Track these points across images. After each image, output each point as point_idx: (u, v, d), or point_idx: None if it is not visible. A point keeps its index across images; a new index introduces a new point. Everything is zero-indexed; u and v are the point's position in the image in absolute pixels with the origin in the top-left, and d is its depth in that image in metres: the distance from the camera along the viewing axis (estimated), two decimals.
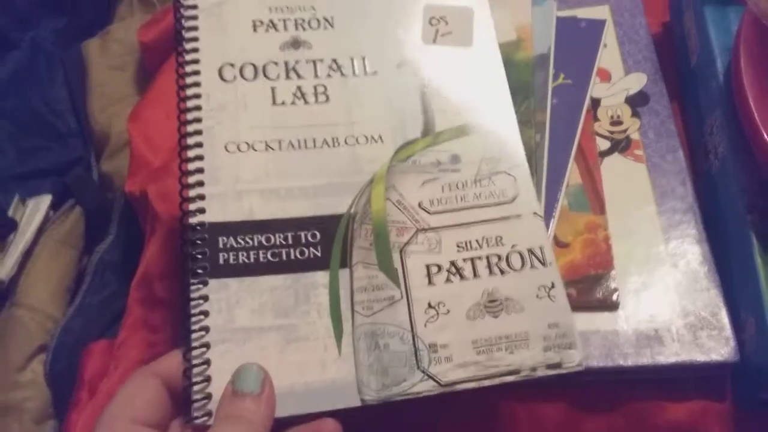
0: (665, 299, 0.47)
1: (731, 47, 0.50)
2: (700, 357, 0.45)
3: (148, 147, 0.60)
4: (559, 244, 0.49)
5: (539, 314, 0.42)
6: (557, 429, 0.47)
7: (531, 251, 0.44)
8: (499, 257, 0.44)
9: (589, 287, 0.47)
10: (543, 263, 0.44)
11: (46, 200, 0.61)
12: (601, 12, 0.60)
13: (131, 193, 0.58)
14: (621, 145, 0.53)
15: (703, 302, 0.46)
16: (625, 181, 0.52)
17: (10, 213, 0.59)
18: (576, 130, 0.53)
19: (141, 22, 0.69)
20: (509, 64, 0.52)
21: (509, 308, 0.42)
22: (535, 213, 0.45)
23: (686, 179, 0.51)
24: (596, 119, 0.55)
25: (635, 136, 0.53)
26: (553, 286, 0.43)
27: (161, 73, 0.65)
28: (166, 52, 0.66)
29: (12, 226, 0.58)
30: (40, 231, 0.59)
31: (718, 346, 0.45)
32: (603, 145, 0.53)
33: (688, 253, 0.48)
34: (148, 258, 0.55)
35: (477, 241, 0.44)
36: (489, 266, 0.44)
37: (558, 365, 0.41)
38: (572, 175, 0.52)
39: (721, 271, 0.48)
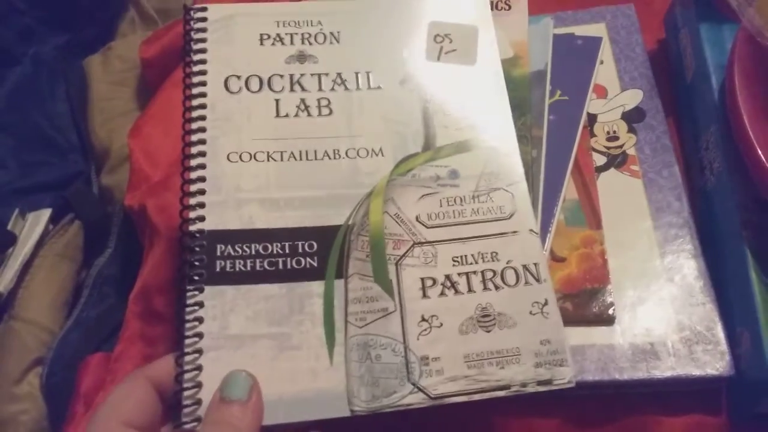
0: (661, 313, 0.47)
1: (726, 64, 0.50)
2: (696, 371, 0.45)
3: (148, 162, 0.60)
4: (556, 258, 0.49)
5: (532, 330, 0.42)
6: None
7: (526, 267, 0.44)
8: (494, 272, 0.44)
9: (586, 301, 0.48)
10: (537, 280, 0.44)
11: (45, 214, 0.61)
12: (598, 29, 0.61)
13: (130, 207, 0.58)
14: (617, 161, 0.54)
15: (698, 317, 0.47)
16: (622, 196, 0.52)
17: (10, 226, 0.59)
18: (572, 145, 0.54)
19: (142, 39, 0.70)
20: (506, 80, 0.52)
21: (502, 323, 0.42)
22: (531, 230, 0.45)
23: (682, 194, 0.52)
24: (593, 135, 0.55)
25: (631, 151, 0.54)
26: (546, 302, 0.43)
27: (162, 89, 0.66)
28: (167, 68, 0.67)
29: (11, 239, 0.59)
30: (39, 244, 0.59)
31: (713, 361, 0.45)
32: (599, 160, 0.54)
33: (683, 268, 0.49)
34: (146, 272, 0.55)
35: (473, 255, 0.44)
36: (483, 281, 0.44)
37: (549, 382, 0.41)
38: (569, 190, 0.52)
39: (717, 285, 0.48)
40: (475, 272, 0.44)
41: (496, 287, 0.43)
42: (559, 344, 0.42)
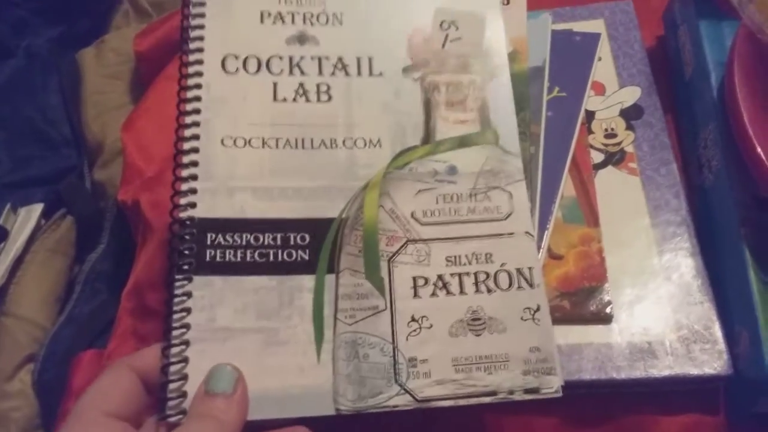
0: (659, 312, 0.47)
1: (725, 62, 0.50)
2: (694, 370, 0.44)
3: (142, 156, 0.60)
4: (553, 256, 0.49)
5: (522, 337, 0.42)
6: None
7: (520, 271, 0.44)
8: (487, 275, 0.43)
9: (583, 300, 0.47)
10: (530, 285, 0.43)
11: (37, 209, 0.61)
12: (596, 26, 0.60)
13: (124, 202, 0.58)
14: (615, 158, 0.53)
15: (696, 315, 0.46)
16: (619, 193, 0.52)
17: (1, 221, 0.58)
18: (570, 142, 0.53)
19: (136, 32, 0.69)
20: None
21: (492, 328, 0.42)
22: (527, 232, 0.45)
23: (680, 192, 0.51)
24: (590, 132, 0.55)
25: (629, 148, 0.54)
26: (538, 309, 0.43)
27: (156, 82, 0.65)
28: (161, 61, 0.66)
29: (3, 234, 0.58)
30: (31, 240, 0.59)
31: (711, 360, 0.45)
32: (597, 157, 0.53)
33: (681, 266, 0.48)
34: (139, 267, 0.55)
35: (466, 256, 0.44)
36: (476, 283, 0.43)
37: (536, 390, 0.41)
38: (566, 187, 0.52)
39: (715, 284, 0.48)
40: (467, 273, 0.43)
41: (489, 290, 0.43)
42: (549, 352, 0.41)
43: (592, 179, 0.52)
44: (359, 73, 0.48)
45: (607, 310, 0.47)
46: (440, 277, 0.43)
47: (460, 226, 0.45)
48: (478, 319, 0.42)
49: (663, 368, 0.45)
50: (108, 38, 0.73)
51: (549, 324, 0.42)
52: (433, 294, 0.43)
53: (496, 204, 0.45)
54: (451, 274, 0.43)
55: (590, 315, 0.47)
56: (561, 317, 0.46)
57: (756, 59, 0.48)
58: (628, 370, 0.45)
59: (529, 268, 0.44)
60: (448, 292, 0.43)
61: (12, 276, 0.57)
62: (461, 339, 0.42)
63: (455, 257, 0.44)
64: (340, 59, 0.48)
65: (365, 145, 0.46)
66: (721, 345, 0.45)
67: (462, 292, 0.43)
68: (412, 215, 0.45)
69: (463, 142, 0.47)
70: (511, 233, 0.45)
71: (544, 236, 0.49)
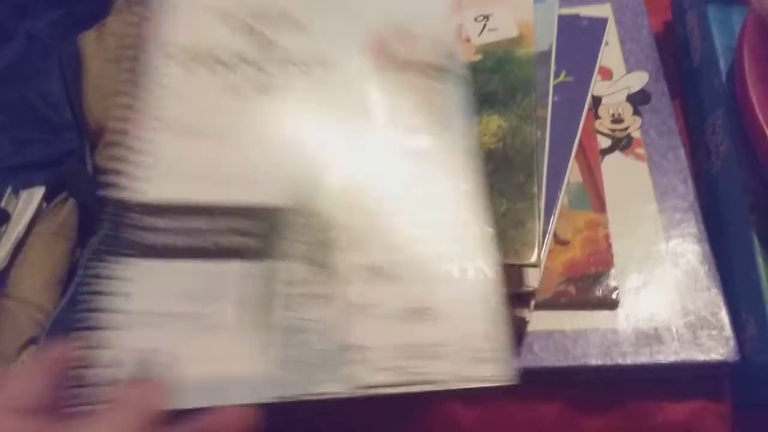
0: (665, 298, 0.47)
1: (734, 47, 0.50)
2: (700, 356, 0.44)
3: None
4: (559, 241, 0.49)
5: (470, 325, 0.40)
6: (555, 428, 0.46)
7: (472, 263, 0.42)
8: (437, 266, 0.42)
9: (589, 285, 0.47)
10: (483, 275, 0.42)
11: (39, 192, 0.60)
12: (603, 10, 0.60)
13: None
14: (622, 144, 0.53)
15: (703, 302, 0.46)
16: (626, 179, 0.51)
17: (3, 204, 0.58)
18: (577, 127, 0.53)
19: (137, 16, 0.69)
20: (511, 60, 0.52)
21: (438, 316, 0.41)
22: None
23: (687, 178, 0.51)
24: (597, 117, 0.54)
25: (636, 134, 0.53)
26: (488, 298, 0.41)
27: None
28: None
29: (4, 217, 0.58)
30: (33, 223, 0.58)
31: (717, 346, 0.44)
32: (604, 143, 0.53)
33: (688, 252, 0.48)
34: None
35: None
36: (426, 273, 0.42)
37: (482, 378, 0.39)
38: (573, 172, 0.51)
39: (722, 270, 0.47)
40: (416, 264, 0.42)
41: (438, 280, 0.42)
42: (497, 340, 0.40)
43: (598, 165, 0.52)
44: (315, 74, 0.48)
45: (613, 295, 0.47)
46: (389, 266, 0.42)
47: None
48: (426, 307, 0.41)
49: (669, 354, 0.45)
50: (109, 22, 0.72)
51: (499, 313, 0.41)
52: (381, 283, 0.42)
53: None
54: (401, 264, 0.42)
55: (596, 300, 0.47)
56: (567, 302, 0.46)
57: (765, 45, 0.48)
58: (634, 356, 0.45)
59: (483, 260, 0.42)
60: (396, 281, 0.42)
61: (14, 259, 0.56)
62: (406, 327, 0.40)
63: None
64: (303, 62, 0.48)
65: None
66: (728, 331, 0.45)
67: (411, 281, 0.42)
68: None
69: None
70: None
71: (551, 221, 0.49)
